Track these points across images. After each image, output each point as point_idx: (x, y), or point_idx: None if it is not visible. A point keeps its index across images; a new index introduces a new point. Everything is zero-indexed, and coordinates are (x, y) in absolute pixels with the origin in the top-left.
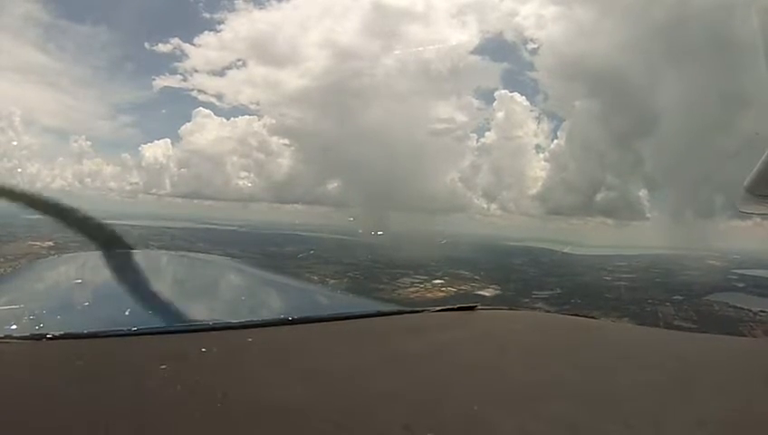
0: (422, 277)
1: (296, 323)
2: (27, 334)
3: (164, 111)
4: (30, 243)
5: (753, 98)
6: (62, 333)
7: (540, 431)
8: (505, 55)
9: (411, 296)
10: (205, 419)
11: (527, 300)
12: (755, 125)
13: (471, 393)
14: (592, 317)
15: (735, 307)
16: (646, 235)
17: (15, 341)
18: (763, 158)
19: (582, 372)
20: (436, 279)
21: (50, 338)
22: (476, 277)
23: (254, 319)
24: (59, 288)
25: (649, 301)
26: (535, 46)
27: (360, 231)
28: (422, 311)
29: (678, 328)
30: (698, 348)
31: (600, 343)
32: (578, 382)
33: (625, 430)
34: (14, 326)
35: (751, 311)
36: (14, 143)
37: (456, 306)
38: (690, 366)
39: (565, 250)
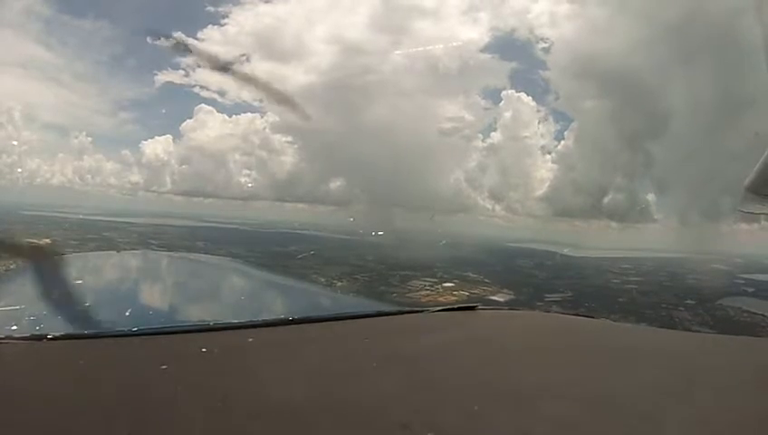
0: (431, 280)
1: (296, 324)
2: (28, 335)
3: (165, 107)
4: (27, 240)
5: (763, 101)
6: (62, 333)
7: (540, 431)
8: (516, 54)
9: (423, 300)
10: (205, 418)
11: (541, 304)
12: (763, 128)
13: (471, 393)
14: (592, 317)
15: (750, 312)
16: (649, 237)
17: (16, 341)
18: (764, 157)
19: (582, 371)
20: (446, 282)
21: (50, 338)
22: (486, 280)
23: (255, 319)
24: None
25: (663, 305)
26: (546, 45)
27: (362, 231)
28: (422, 311)
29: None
30: (698, 348)
31: (600, 342)
32: (578, 382)
33: (625, 429)
34: (14, 326)
35: (765, 316)
36: (15, 143)
37: (456, 306)
38: (690, 366)
39: (565, 251)
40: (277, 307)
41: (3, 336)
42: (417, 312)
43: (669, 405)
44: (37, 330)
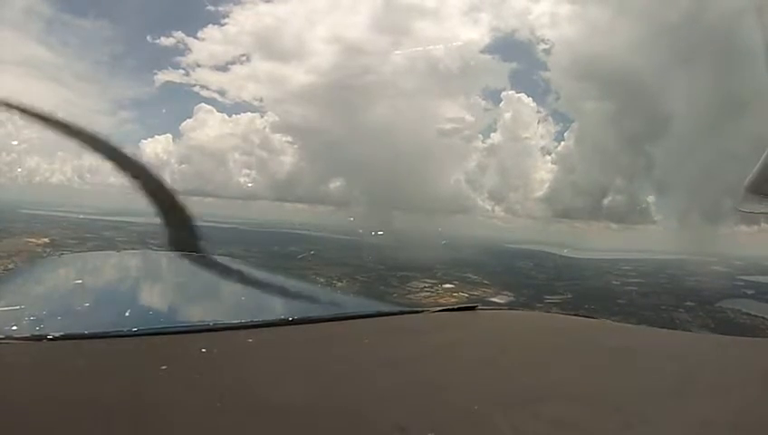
0: (431, 281)
1: (296, 324)
2: (28, 335)
3: (165, 106)
4: (26, 239)
5: (764, 102)
6: (62, 333)
7: (540, 431)
8: (516, 54)
9: (424, 302)
10: (205, 419)
11: (541, 305)
12: (764, 129)
13: (471, 393)
14: (592, 317)
15: (750, 315)
16: (649, 238)
17: (16, 341)
18: (764, 157)
19: (582, 371)
20: (445, 283)
21: (50, 339)
22: (486, 282)
23: (254, 319)
24: (59, 289)
25: (663, 307)
26: (547, 46)
27: (361, 230)
28: (422, 311)
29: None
30: (698, 348)
31: (600, 343)
32: (578, 382)
33: (625, 430)
34: (14, 327)
35: (765, 318)
36: (15, 142)
37: (455, 306)
38: (690, 366)
39: (564, 252)
40: (277, 307)
41: (3, 336)
42: (417, 312)
43: (669, 405)
44: (37, 330)
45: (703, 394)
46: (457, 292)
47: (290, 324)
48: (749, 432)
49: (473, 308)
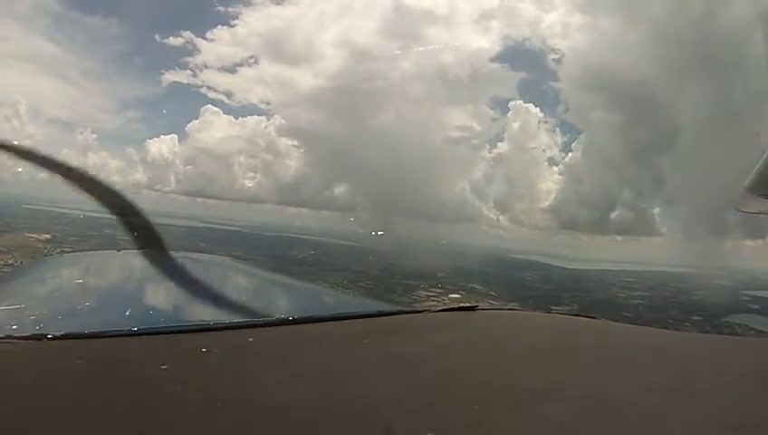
0: (437, 290)
1: (297, 323)
2: (28, 334)
3: (171, 107)
4: (26, 235)
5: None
6: (62, 333)
7: (540, 431)
8: (526, 64)
9: None
10: (205, 419)
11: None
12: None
13: (471, 394)
14: (592, 317)
15: (756, 330)
16: (654, 250)
17: (16, 341)
18: (764, 157)
19: (583, 372)
20: (451, 293)
21: (51, 338)
22: (492, 293)
23: (255, 319)
24: (60, 288)
25: (670, 321)
26: (557, 56)
27: (362, 231)
28: (422, 311)
29: None
30: (698, 348)
31: (600, 343)
32: (578, 383)
33: (625, 430)
34: (14, 326)
35: None
36: (16, 142)
37: (456, 306)
38: (690, 366)
39: (569, 262)
40: (277, 307)
41: (3, 335)
42: (418, 312)
43: (669, 405)
44: (37, 329)
45: (703, 394)
46: (463, 302)
47: (290, 324)
48: (749, 432)
49: (473, 308)
